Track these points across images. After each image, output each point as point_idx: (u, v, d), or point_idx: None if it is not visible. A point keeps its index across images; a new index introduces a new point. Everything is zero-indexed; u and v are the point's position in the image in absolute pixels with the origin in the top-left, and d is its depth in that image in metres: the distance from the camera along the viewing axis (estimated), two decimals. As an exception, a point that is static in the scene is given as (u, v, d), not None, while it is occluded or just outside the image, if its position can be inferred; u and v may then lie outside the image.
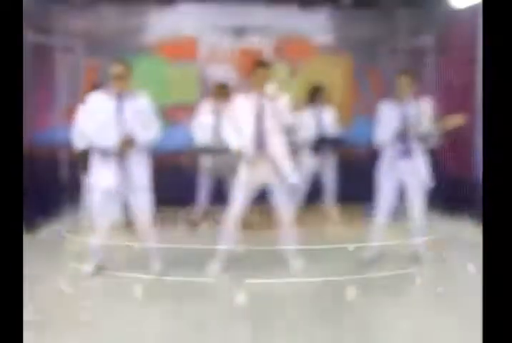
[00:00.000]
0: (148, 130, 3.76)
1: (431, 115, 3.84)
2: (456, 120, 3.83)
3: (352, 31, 6.73)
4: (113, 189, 3.69)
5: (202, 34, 6.62)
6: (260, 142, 3.82)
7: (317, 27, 6.71)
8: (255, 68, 3.79)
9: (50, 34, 6.31)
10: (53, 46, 6.37)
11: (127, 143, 3.60)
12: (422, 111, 3.86)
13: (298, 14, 6.42)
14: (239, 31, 6.64)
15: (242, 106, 3.78)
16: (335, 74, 6.67)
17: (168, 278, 3.83)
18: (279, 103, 3.84)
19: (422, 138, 3.90)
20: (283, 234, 4.03)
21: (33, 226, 5.29)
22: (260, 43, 6.68)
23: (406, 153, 3.97)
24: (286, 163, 3.87)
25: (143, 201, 3.81)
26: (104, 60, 6.18)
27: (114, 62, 3.75)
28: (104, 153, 3.67)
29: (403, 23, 6.82)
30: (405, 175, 4.02)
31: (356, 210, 6.01)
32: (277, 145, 3.83)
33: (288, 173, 3.89)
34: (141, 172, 3.75)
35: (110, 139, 3.62)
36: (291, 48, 6.73)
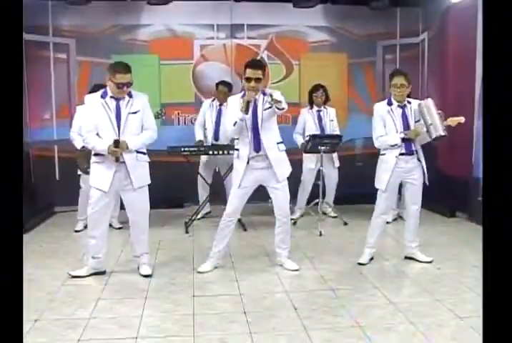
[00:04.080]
0: (145, 131, 3.73)
1: (438, 113, 3.79)
2: (457, 120, 3.82)
3: (348, 27, 6.73)
4: (111, 189, 3.66)
5: (196, 32, 6.58)
6: (256, 141, 3.79)
7: (312, 24, 6.69)
8: (246, 69, 3.73)
9: (43, 32, 6.25)
10: (47, 44, 6.30)
11: (119, 147, 3.57)
12: (427, 110, 3.80)
13: (293, 11, 6.39)
14: (235, 29, 6.60)
15: (238, 106, 3.74)
16: (330, 71, 6.65)
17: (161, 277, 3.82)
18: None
19: (436, 139, 3.85)
20: (278, 231, 4.02)
21: (29, 225, 5.27)
22: (255, 41, 6.65)
23: (410, 152, 3.94)
24: (281, 163, 3.85)
25: (140, 201, 3.79)
26: (97, 58, 6.17)
27: (118, 62, 3.67)
28: (102, 153, 3.63)
29: (399, 19, 6.82)
30: (407, 173, 3.98)
31: (355, 208, 6.05)
32: (271, 145, 3.81)
33: (284, 173, 3.87)
34: (138, 172, 3.72)
35: (107, 140, 3.59)
36: (286, 45, 6.69)
